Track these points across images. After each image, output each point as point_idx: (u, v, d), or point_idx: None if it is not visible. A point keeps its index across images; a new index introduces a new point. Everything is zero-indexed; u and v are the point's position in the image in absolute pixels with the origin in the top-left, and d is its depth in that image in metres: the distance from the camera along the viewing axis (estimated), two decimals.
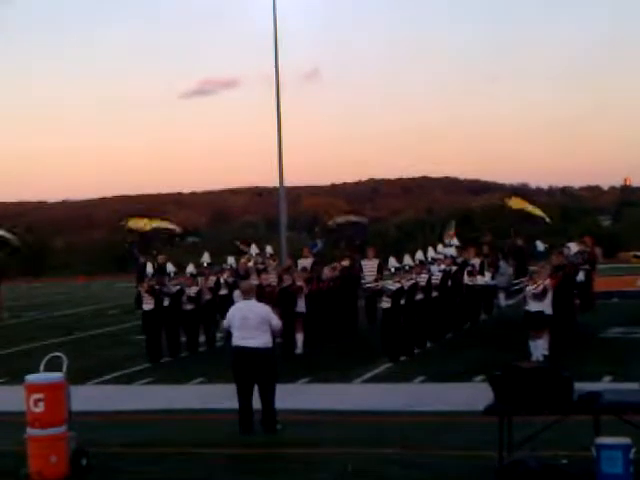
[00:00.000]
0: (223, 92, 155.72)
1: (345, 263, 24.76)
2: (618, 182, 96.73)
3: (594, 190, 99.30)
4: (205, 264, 24.25)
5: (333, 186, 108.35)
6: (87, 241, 74.15)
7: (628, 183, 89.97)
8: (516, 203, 32.21)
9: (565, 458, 10.17)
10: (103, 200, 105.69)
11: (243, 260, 25.51)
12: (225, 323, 13.74)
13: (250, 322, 12.94)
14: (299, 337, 21.05)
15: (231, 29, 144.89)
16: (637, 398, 9.54)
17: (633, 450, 9.12)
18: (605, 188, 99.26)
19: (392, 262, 20.25)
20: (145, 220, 32.19)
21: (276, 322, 13.30)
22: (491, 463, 9.84)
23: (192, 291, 22.18)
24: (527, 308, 18.58)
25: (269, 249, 26.19)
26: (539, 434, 9.90)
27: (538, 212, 32.36)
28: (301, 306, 21.11)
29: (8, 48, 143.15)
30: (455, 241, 26.24)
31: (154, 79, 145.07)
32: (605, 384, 14.73)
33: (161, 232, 32.16)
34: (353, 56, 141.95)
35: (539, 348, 18.13)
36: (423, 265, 21.53)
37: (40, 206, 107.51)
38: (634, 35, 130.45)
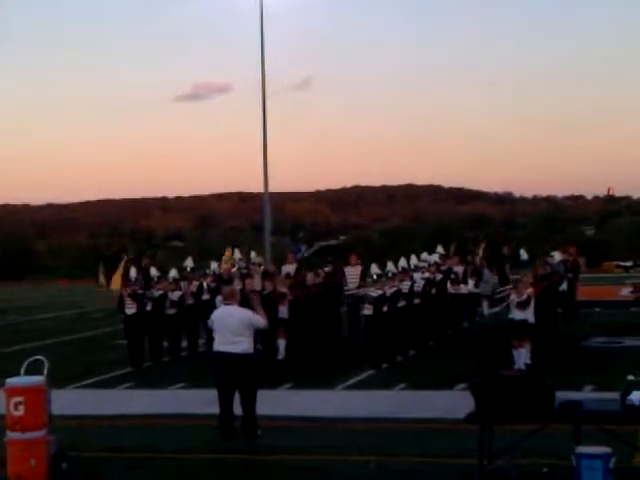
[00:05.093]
0: (216, 97, 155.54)
1: (328, 269, 24.75)
2: (602, 192, 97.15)
3: (578, 199, 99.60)
4: (188, 269, 24.23)
5: (318, 192, 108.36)
6: (71, 244, 73.91)
7: (611, 193, 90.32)
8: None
9: (545, 467, 10.19)
10: (88, 203, 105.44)
11: (226, 265, 25.48)
12: (209, 324, 13.70)
13: (231, 327, 12.88)
14: (281, 343, 21.04)
15: (228, 35, 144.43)
16: (618, 408, 9.55)
17: (613, 459, 9.14)
18: (589, 197, 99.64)
19: (374, 269, 20.27)
20: None
21: (258, 321, 13.18)
22: (471, 471, 9.84)
23: (175, 296, 22.14)
24: (511, 317, 18.61)
25: (253, 255, 26.19)
26: (520, 442, 9.91)
27: None
28: (283, 312, 21.10)
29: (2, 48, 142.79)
30: (439, 249, 26.24)
31: (148, 83, 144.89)
32: (586, 393, 14.74)
33: None
34: (343, 67, 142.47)
35: (522, 357, 18.16)
36: (406, 272, 21.55)
37: (24, 209, 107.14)
38: (626, 50, 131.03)
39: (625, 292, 30.54)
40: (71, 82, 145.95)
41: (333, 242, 56.97)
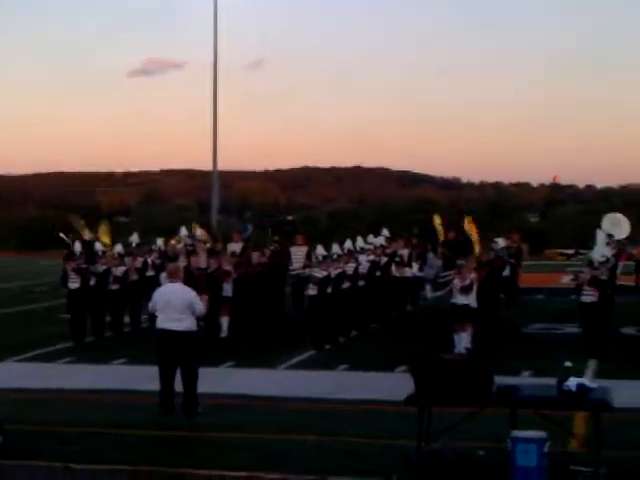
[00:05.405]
0: (169, 73, 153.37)
1: (273, 249, 24.78)
2: (547, 179, 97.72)
3: (524, 186, 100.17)
4: (134, 244, 24.13)
5: (266, 172, 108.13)
6: (17, 217, 72.86)
7: (557, 181, 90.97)
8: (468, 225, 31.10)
9: (481, 449, 10.32)
10: (38, 176, 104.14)
11: (172, 242, 25.42)
12: (150, 306, 13.67)
13: (174, 305, 12.89)
14: (224, 321, 21.03)
15: (183, 12, 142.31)
16: (554, 393, 9.70)
17: (548, 444, 9.28)
18: (534, 185, 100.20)
19: (319, 250, 20.32)
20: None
21: (199, 308, 13.26)
22: (410, 452, 9.95)
23: (118, 271, 22.03)
24: (454, 301, 18.76)
25: (199, 232, 26.11)
26: (457, 425, 10.03)
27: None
28: (227, 290, 21.10)
29: None
30: (385, 232, 26.31)
31: (100, 58, 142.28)
32: (524, 379, 14.95)
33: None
34: (296, 48, 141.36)
35: (462, 341, 18.32)
36: (351, 254, 21.62)
37: None
38: (577, 41, 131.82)
39: (566, 279, 30.81)
40: (22, 55, 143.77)
41: (290, 218, 56.93)
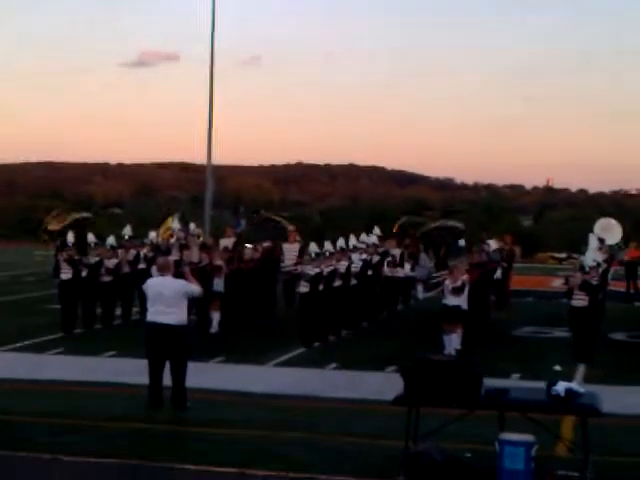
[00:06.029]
0: (164, 65, 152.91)
1: (266, 245, 24.80)
2: (541, 182, 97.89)
3: (517, 189, 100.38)
4: (126, 237, 24.11)
5: (261, 167, 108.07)
6: (8, 206, 72.68)
7: (550, 184, 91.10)
8: None
9: (469, 452, 10.34)
10: (26, 165, 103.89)
11: (165, 235, 25.40)
12: (143, 288, 13.77)
13: (165, 298, 12.89)
14: (215, 316, 21.01)
15: (179, 3, 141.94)
16: (543, 397, 9.72)
17: (535, 447, 9.31)
18: (528, 188, 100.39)
19: (313, 247, 20.30)
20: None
21: (194, 289, 13.30)
22: (396, 452, 9.96)
23: (111, 263, 22.01)
24: (445, 302, 18.77)
25: (193, 226, 26.09)
26: (445, 426, 10.05)
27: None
28: (219, 285, 21.08)
29: None
30: (377, 230, 26.32)
31: (93, 48, 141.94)
32: (513, 381, 14.97)
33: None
34: (293, 44, 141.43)
35: (452, 342, 18.35)
36: (344, 252, 21.62)
37: None
38: (563, 42, 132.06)
39: (557, 283, 30.91)
40: (15, 45, 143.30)
41: (284, 214, 56.98)
